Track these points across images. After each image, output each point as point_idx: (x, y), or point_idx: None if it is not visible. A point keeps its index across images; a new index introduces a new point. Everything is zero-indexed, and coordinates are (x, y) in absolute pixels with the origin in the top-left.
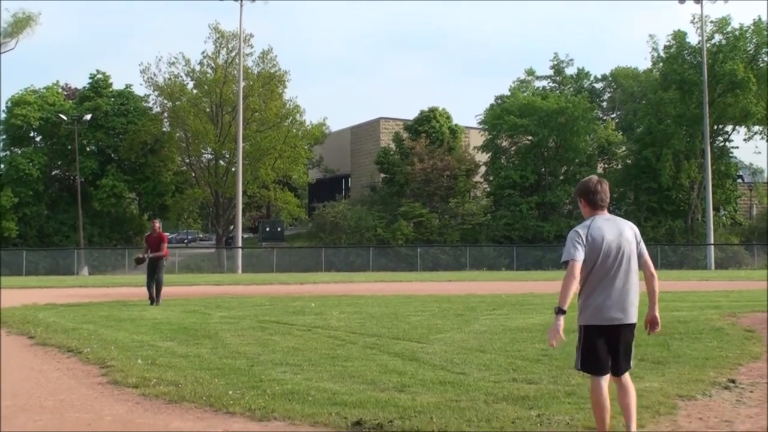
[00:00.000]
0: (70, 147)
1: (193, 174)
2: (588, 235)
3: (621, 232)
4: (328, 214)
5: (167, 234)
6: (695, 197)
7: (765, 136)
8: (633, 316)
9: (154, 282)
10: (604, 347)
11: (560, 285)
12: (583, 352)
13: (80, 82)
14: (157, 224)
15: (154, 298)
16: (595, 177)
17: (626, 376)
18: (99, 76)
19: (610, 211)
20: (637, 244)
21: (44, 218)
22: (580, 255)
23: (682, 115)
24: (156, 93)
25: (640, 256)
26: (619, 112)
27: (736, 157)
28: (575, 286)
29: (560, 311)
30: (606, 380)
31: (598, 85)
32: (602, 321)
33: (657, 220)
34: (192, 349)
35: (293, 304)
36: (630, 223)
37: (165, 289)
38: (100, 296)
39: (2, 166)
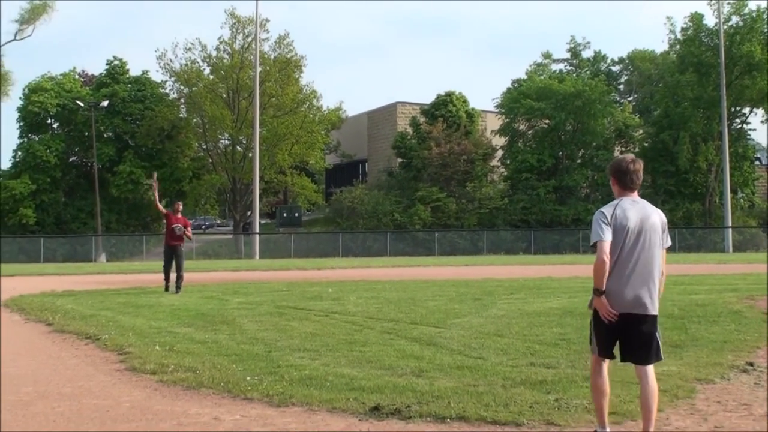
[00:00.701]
0: (87, 133)
1: (210, 160)
2: (613, 216)
3: (647, 218)
4: (346, 199)
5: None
6: (713, 180)
7: None
8: (650, 308)
9: (172, 267)
10: (613, 333)
11: (583, 269)
12: (594, 333)
13: (97, 68)
14: (180, 206)
15: (169, 284)
16: (630, 156)
17: (649, 373)
18: (116, 62)
19: (641, 195)
20: (662, 233)
21: (62, 205)
22: (608, 234)
23: (699, 98)
24: (173, 79)
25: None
26: (636, 95)
27: (753, 139)
28: (608, 266)
29: (599, 292)
30: (606, 364)
31: (615, 68)
32: (613, 307)
33: (674, 203)
34: (210, 335)
35: (311, 289)
36: (659, 211)
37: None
38: (118, 283)
39: (20, 153)
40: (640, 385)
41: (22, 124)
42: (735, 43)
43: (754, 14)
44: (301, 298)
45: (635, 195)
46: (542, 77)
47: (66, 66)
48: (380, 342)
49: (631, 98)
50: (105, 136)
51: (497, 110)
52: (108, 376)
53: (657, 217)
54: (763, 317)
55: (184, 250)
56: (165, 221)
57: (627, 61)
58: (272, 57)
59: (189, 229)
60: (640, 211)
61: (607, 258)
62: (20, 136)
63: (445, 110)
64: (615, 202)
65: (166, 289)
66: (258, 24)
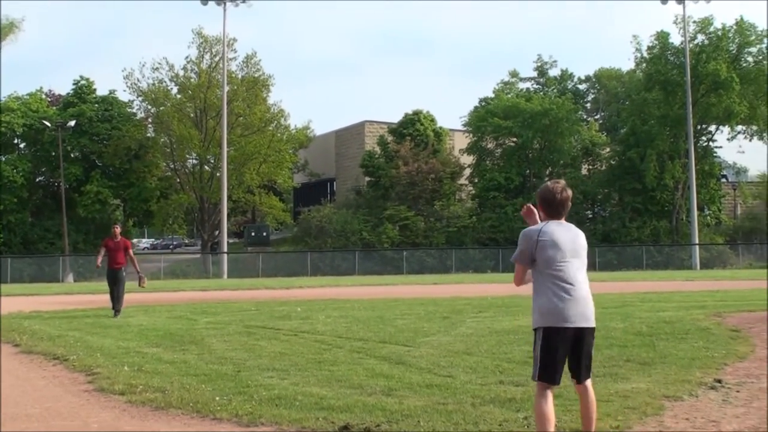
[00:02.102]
0: (54, 153)
1: (178, 179)
2: (540, 238)
3: (576, 237)
4: (314, 218)
5: (136, 241)
6: (680, 197)
7: (748, 136)
8: (592, 321)
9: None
10: (564, 352)
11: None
12: (542, 358)
13: (64, 88)
14: (118, 229)
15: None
16: (560, 184)
17: (590, 387)
18: (82, 82)
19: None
20: (585, 252)
21: (28, 225)
22: (526, 258)
23: (665, 116)
24: (140, 98)
25: None
26: (603, 113)
27: (719, 157)
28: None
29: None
30: (552, 390)
31: (582, 87)
32: (564, 322)
33: (642, 220)
34: (178, 355)
35: (279, 308)
36: (581, 232)
37: (150, 296)
38: (86, 303)
39: None
40: (581, 399)
41: None
42: (701, 62)
43: (719, 33)
44: (269, 318)
45: (562, 220)
46: (509, 96)
47: (32, 86)
48: (349, 361)
49: (597, 116)
50: (72, 156)
51: (465, 129)
52: (76, 397)
53: (582, 237)
54: (731, 334)
55: (126, 275)
56: (104, 247)
57: (594, 80)
58: (240, 76)
59: (130, 251)
60: (569, 231)
61: (519, 283)
62: None
63: (413, 129)
64: (540, 225)
65: (115, 314)
66: (225, 43)
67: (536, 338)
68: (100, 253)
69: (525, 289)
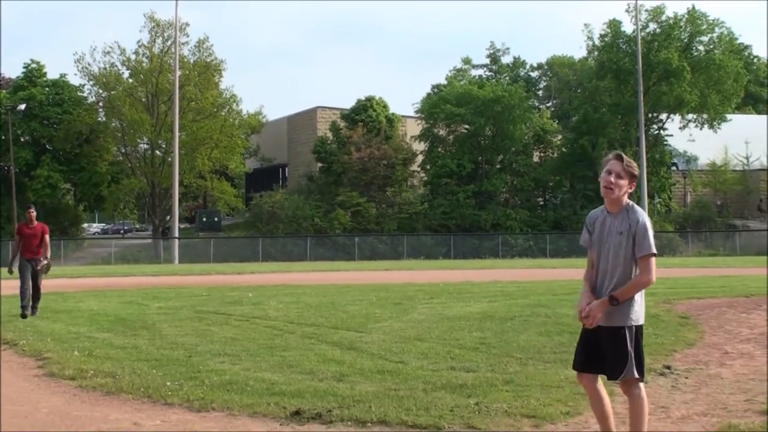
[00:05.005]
0: (3, 137)
1: (129, 164)
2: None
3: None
4: (266, 204)
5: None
6: None
7: (699, 125)
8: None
9: (29, 287)
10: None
11: (502, 273)
12: (636, 354)
13: (14, 71)
14: (33, 212)
15: (29, 308)
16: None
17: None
18: (33, 65)
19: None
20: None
21: None
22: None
23: (617, 104)
24: (91, 83)
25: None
26: (555, 101)
27: (670, 145)
28: None
29: (614, 301)
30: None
31: (534, 74)
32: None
33: (593, 207)
34: (129, 341)
35: (231, 294)
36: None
37: (101, 281)
38: None
39: None
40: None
41: None
42: (652, 50)
43: (671, 21)
44: (221, 303)
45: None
46: (462, 83)
47: None
48: (301, 347)
49: (549, 104)
50: (22, 140)
51: (417, 115)
52: (26, 381)
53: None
54: (680, 321)
55: (47, 263)
56: (18, 235)
57: (546, 67)
58: (192, 61)
59: (47, 236)
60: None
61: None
62: None
63: (366, 115)
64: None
65: (24, 315)
66: (177, 28)
67: (629, 335)
68: (16, 254)
69: (476, 276)
